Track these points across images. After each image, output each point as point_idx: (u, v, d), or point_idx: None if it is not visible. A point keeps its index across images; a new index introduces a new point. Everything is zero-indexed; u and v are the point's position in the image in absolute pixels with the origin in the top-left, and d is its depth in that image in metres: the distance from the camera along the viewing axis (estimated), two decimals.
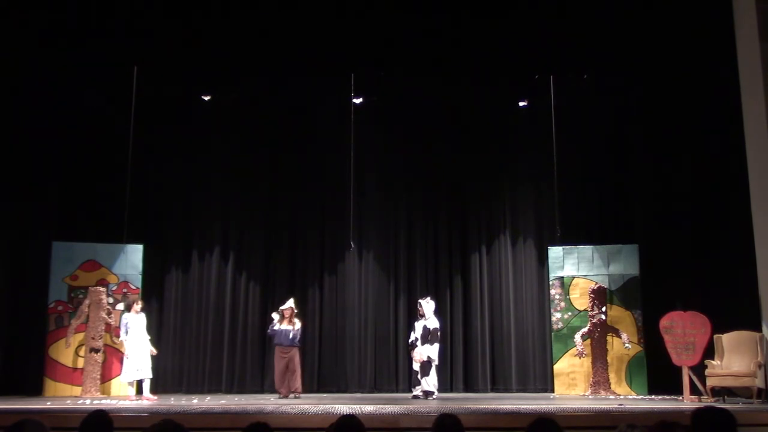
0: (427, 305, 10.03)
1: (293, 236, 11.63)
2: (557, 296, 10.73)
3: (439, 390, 9.98)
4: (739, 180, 9.20)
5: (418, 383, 9.78)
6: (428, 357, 9.71)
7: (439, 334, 9.93)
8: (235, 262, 11.50)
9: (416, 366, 9.86)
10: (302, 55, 10.71)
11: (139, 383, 9.61)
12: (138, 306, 9.85)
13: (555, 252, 10.86)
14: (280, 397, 9.74)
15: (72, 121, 10.89)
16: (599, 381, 10.18)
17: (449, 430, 3.41)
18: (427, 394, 9.65)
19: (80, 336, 10.18)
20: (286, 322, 10.00)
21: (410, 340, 10.17)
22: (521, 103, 11.46)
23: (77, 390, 9.92)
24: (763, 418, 6.47)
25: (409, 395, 10.01)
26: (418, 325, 10.00)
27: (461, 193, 11.84)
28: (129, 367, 9.60)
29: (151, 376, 9.66)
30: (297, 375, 9.93)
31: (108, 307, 10.25)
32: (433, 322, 9.92)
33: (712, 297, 9.77)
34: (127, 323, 9.70)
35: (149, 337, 9.86)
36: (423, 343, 9.80)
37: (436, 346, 9.84)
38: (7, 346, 10.23)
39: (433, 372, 9.76)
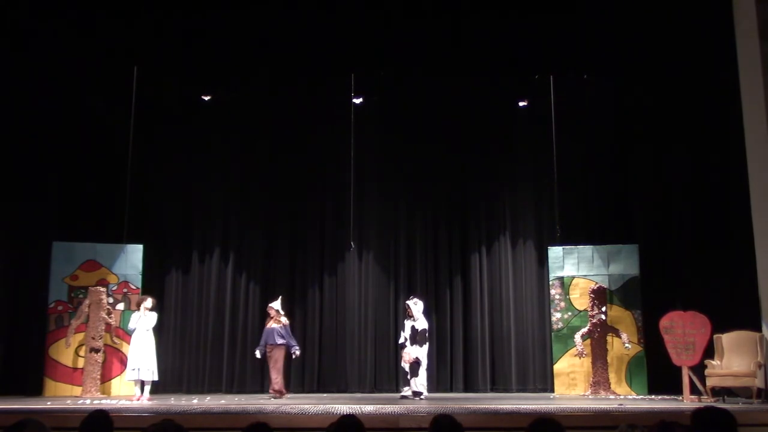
0: (415, 306, 9.90)
1: (293, 236, 11.63)
2: (557, 296, 10.72)
3: (439, 390, 9.98)
4: (739, 180, 9.20)
5: (408, 383, 9.73)
6: (416, 358, 9.62)
7: (427, 335, 9.83)
8: (235, 263, 11.50)
9: (405, 366, 9.79)
10: (302, 55, 10.72)
11: (143, 384, 9.44)
12: (147, 304, 9.72)
13: (555, 252, 10.85)
14: (273, 398, 9.71)
15: (72, 121, 10.89)
16: (599, 381, 10.17)
17: (446, 431, 3.41)
18: (416, 394, 9.56)
19: (80, 336, 10.18)
20: (273, 321, 9.98)
21: (400, 341, 10.10)
22: (521, 103, 11.47)
23: (77, 390, 9.92)
24: (763, 418, 6.47)
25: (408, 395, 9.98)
26: (407, 326, 9.92)
27: (461, 193, 11.83)
28: (128, 365, 9.57)
29: (152, 378, 9.44)
30: (274, 374, 9.78)
31: (108, 307, 10.25)
32: (421, 323, 9.80)
33: (712, 297, 9.76)
34: (134, 321, 9.64)
35: (153, 339, 9.76)
36: (412, 344, 9.71)
37: (425, 347, 9.75)
38: (7, 346, 10.23)
39: (422, 372, 9.64)
